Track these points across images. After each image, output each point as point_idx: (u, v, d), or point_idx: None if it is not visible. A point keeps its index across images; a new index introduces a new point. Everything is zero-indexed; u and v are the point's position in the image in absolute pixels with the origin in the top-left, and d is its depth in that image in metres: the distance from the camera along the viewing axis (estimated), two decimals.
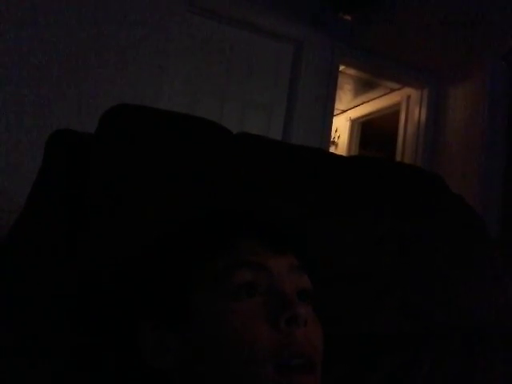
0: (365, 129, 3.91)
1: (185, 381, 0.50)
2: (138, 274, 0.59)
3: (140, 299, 0.57)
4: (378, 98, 3.51)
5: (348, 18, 2.72)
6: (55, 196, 0.68)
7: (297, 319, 0.48)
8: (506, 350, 0.70)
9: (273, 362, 0.47)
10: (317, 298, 0.57)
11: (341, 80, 3.00)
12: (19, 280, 0.62)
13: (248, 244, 0.53)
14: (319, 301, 0.57)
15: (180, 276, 0.54)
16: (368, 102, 3.64)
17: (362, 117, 3.77)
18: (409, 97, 3.19)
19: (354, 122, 3.85)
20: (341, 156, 0.89)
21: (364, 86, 3.56)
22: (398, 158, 3.15)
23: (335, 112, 2.86)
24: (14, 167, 0.84)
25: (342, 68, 2.89)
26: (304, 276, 0.54)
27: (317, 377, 0.49)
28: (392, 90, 3.37)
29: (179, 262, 0.55)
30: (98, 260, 0.62)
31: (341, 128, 3.87)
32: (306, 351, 0.48)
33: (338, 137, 3.89)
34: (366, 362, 0.67)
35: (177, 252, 0.56)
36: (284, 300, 0.49)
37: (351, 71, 3.12)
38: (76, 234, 0.64)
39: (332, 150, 3.66)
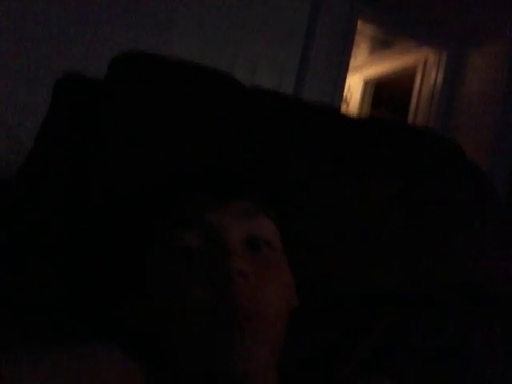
0: (378, 89, 3.83)
1: (163, 341, 0.50)
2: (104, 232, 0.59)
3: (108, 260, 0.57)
4: (394, 58, 3.41)
5: None
6: (61, 140, 0.68)
7: (230, 275, 0.46)
8: (505, 313, 0.71)
9: (210, 322, 0.46)
10: (291, 244, 0.56)
11: (357, 37, 2.91)
12: (24, 219, 0.62)
13: (195, 199, 0.52)
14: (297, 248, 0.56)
15: (134, 237, 0.54)
16: (384, 61, 3.54)
17: (376, 76, 3.68)
18: (426, 59, 3.10)
19: (367, 81, 3.76)
20: (353, 116, 0.87)
21: (381, 45, 3.45)
22: (410, 121, 3.09)
23: (349, 70, 2.79)
24: (22, 110, 0.83)
25: (359, 24, 2.79)
26: (258, 220, 0.52)
27: (261, 328, 0.47)
28: (409, 51, 3.26)
29: (135, 222, 0.55)
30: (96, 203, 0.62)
31: (353, 86, 3.78)
32: (244, 306, 0.46)
33: (350, 95, 3.81)
34: (364, 321, 0.69)
35: (135, 212, 0.56)
36: (221, 255, 0.48)
37: (369, 28, 3.01)
38: (80, 180, 0.64)
39: (343, 108, 3.60)
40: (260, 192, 0.57)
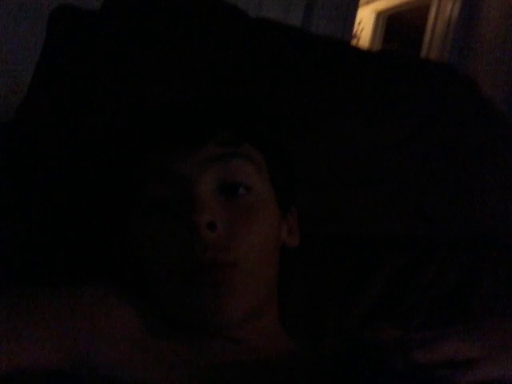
0: (390, 23, 3.66)
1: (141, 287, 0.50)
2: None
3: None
4: None
5: None
6: (59, 73, 0.65)
7: (195, 227, 0.44)
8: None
9: (177, 276, 0.45)
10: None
11: None
12: (25, 157, 0.61)
13: (164, 146, 0.48)
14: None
15: (114, 186, 0.53)
16: None
17: (389, 9, 3.51)
18: None
19: (379, 14, 3.58)
20: (364, 50, 0.83)
21: None
22: (424, 55, 2.97)
23: (360, 2, 2.65)
24: (18, 46, 0.80)
25: None
26: (235, 162, 0.48)
27: (235, 277, 0.45)
28: None
29: (114, 170, 0.53)
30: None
31: (365, 20, 3.62)
32: (210, 258, 0.44)
33: (361, 30, 3.65)
34: (373, 264, 0.67)
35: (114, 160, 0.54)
36: (187, 208, 0.45)
37: None
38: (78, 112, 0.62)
39: (353, 43, 3.46)
40: (244, 123, 0.52)
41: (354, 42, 3.54)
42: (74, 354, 0.42)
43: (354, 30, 3.27)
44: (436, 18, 2.97)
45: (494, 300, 0.64)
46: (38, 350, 0.40)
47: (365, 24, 3.64)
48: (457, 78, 0.76)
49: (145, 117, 0.54)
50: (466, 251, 0.68)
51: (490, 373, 0.36)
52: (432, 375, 0.36)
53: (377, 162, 0.68)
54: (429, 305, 0.63)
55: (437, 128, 0.70)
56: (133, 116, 0.57)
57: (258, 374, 0.45)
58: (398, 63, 0.77)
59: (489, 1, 2.72)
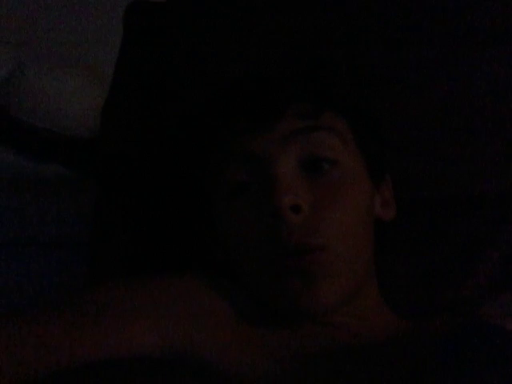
0: None
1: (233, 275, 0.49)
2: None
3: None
4: None
5: None
6: (139, 67, 0.66)
7: (279, 212, 0.41)
8: None
9: (264, 263, 0.43)
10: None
11: None
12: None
13: (237, 126, 0.45)
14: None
15: (194, 174, 0.51)
16: None
17: None
18: None
19: None
20: None
21: None
22: None
23: None
24: (101, 43, 0.85)
25: None
26: (317, 134, 0.45)
27: (326, 261, 0.42)
28: None
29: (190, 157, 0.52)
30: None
31: None
32: (297, 243, 0.41)
33: None
34: (491, 224, 0.59)
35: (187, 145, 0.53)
36: (269, 190, 0.42)
37: None
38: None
39: None
40: (330, 87, 0.49)
41: None
42: (172, 342, 0.42)
43: None
44: None
45: None
46: (137, 337, 0.41)
47: None
48: None
49: (217, 97, 0.52)
50: None
51: None
52: None
53: (483, 108, 0.59)
54: None
55: None
56: (206, 97, 0.55)
57: (357, 360, 0.42)
58: None
59: None
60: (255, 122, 0.45)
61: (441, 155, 0.60)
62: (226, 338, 0.43)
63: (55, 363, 0.38)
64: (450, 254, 0.58)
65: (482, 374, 0.32)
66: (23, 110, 0.79)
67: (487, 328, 0.37)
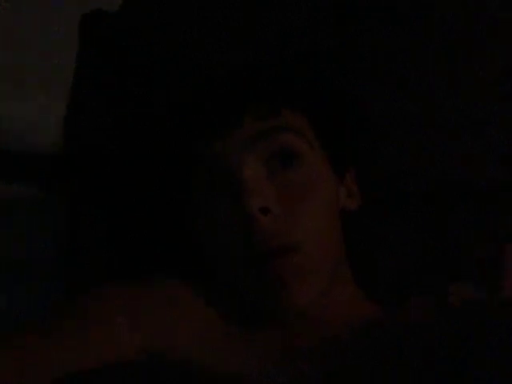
0: None
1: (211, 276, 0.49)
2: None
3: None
4: None
5: None
6: (98, 74, 0.66)
7: (249, 215, 0.42)
8: None
9: (240, 266, 0.44)
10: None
11: None
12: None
13: (203, 130, 0.46)
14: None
15: (164, 175, 0.51)
16: None
17: None
18: None
19: None
20: None
21: None
22: None
23: None
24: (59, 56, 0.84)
25: None
26: (280, 133, 0.46)
27: (301, 258, 0.43)
28: None
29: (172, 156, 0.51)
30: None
31: None
32: (271, 244, 0.42)
33: None
34: (461, 211, 0.61)
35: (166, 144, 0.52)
36: (237, 194, 0.43)
37: None
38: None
39: None
40: (285, 84, 0.49)
41: None
42: (155, 344, 0.42)
43: None
44: None
45: None
46: (114, 344, 0.41)
47: None
48: None
49: (179, 105, 0.53)
50: None
51: None
52: None
53: (465, 104, 0.61)
54: None
55: None
56: (169, 104, 0.55)
57: (338, 350, 0.43)
58: None
59: None
60: (219, 127, 0.45)
61: (428, 150, 0.61)
62: (209, 339, 0.43)
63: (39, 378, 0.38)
64: (437, 249, 0.59)
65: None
66: None
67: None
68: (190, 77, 0.60)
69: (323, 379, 0.40)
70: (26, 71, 0.85)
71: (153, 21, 0.66)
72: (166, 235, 0.56)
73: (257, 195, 0.42)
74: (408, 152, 0.61)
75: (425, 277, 0.58)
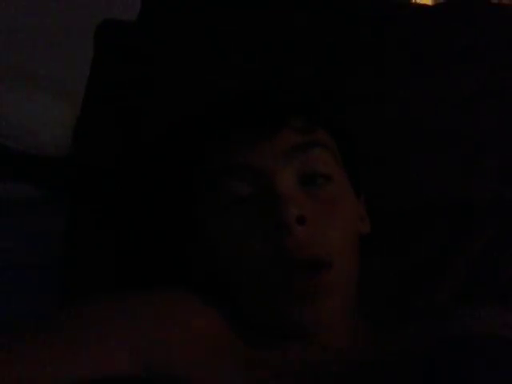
0: None
1: (219, 290, 0.47)
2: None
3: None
4: None
5: None
6: (111, 84, 0.66)
7: (284, 224, 0.41)
8: None
9: (269, 281, 0.42)
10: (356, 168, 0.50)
11: None
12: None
13: (235, 138, 0.45)
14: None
15: (179, 184, 0.50)
16: None
17: None
18: None
19: None
20: (423, 5, 0.76)
21: None
22: None
23: None
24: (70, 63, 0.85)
25: None
26: (312, 150, 0.45)
27: (330, 277, 0.42)
28: None
29: (177, 167, 0.51)
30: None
31: None
32: (304, 253, 0.41)
33: None
34: (461, 231, 0.61)
35: (174, 155, 0.52)
36: (273, 203, 0.42)
37: None
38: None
39: None
40: (317, 107, 0.50)
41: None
42: (148, 361, 0.40)
43: None
44: None
45: None
46: (111, 357, 0.40)
47: None
48: None
49: (212, 108, 0.52)
50: None
51: None
52: None
53: (448, 121, 0.61)
54: None
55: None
56: (197, 110, 0.54)
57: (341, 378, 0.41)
58: (466, 11, 0.70)
59: None
60: (255, 135, 0.45)
61: (411, 169, 0.62)
62: (204, 355, 0.42)
63: None
64: (422, 261, 0.59)
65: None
66: None
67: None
68: (223, 88, 0.60)
69: None
70: (29, 72, 0.86)
71: (170, 31, 0.67)
72: (171, 243, 0.55)
73: (294, 204, 0.42)
74: (390, 173, 0.62)
75: (424, 298, 0.58)
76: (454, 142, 0.62)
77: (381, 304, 0.57)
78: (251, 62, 0.63)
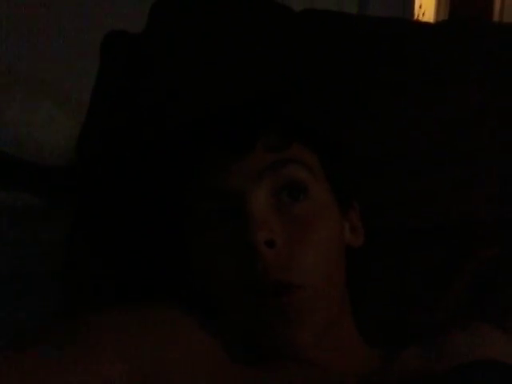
0: (454, 2, 3.46)
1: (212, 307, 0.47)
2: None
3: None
4: None
5: None
6: (115, 94, 0.66)
7: (253, 247, 0.41)
8: None
9: (244, 301, 0.42)
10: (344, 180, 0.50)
11: None
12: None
13: (210, 160, 0.45)
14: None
15: (164, 203, 0.51)
16: None
17: None
18: None
19: None
20: (427, 23, 0.77)
21: None
22: None
23: None
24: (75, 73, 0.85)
25: None
26: (289, 166, 0.45)
27: (306, 296, 0.42)
28: None
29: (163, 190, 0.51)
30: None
31: (426, 2, 3.45)
32: (277, 279, 0.41)
33: (423, 14, 3.48)
34: (461, 251, 0.61)
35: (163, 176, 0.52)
36: (243, 225, 0.42)
37: None
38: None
39: None
40: (291, 123, 0.49)
41: None
42: (140, 377, 0.39)
43: (415, 15, 3.13)
44: None
45: None
46: (108, 372, 0.39)
47: (426, 6, 3.47)
48: None
49: (186, 132, 0.52)
50: None
51: None
52: None
53: (447, 140, 0.62)
54: None
55: None
56: (175, 129, 0.55)
57: None
58: (465, 31, 0.71)
59: None
60: (227, 155, 0.44)
61: (409, 187, 0.62)
62: (199, 371, 0.41)
63: None
64: (420, 280, 0.59)
65: None
66: None
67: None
68: (205, 103, 0.61)
69: None
70: (34, 81, 0.86)
71: (173, 45, 0.67)
72: (166, 260, 0.55)
73: (263, 228, 0.41)
74: (388, 190, 0.62)
75: (422, 319, 0.58)
76: (455, 161, 0.62)
77: (378, 325, 0.56)
78: (244, 73, 0.64)
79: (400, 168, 0.62)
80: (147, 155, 0.59)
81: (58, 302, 0.58)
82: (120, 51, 0.69)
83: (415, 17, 3.19)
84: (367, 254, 0.54)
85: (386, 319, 0.58)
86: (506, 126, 0.63)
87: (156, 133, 0.61)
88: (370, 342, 0.50)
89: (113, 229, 0.61)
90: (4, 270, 0.67)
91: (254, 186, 0.44)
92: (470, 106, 0.64)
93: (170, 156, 0.52)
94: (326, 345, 0.44)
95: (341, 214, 0.49)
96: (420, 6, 3.38)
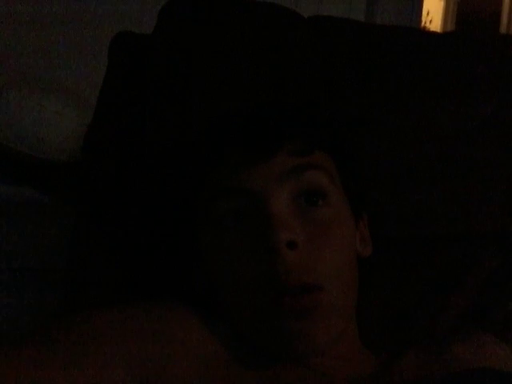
0: (462, 10, 3.46)
1: (218, 305, 0.48)
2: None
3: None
4: None
5: None
6: (123, 96, 0.67)
7: (276, 248, 0.41)
8: None
9: (259, 303, 0.42)
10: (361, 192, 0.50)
11: None
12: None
13: (232, 160, 0.45)
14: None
15: (180, 201, 0.51)
16: None
17: None
18: None
19: (448, 1, 3.41)
20: (435, 33, 0.77)
21: None
22: None
23: None
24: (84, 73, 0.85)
25: None
26: (310, 171, 0.45)
27: (324, 300, 0.42)
28: None
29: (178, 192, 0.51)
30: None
31: (433, 10, 3.46)
32: (295, 282, 0.41)
33: (430, 21, 3.49)
34: (462, 263, 0.61)
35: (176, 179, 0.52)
36: (265, 226, 0.42)
37: None
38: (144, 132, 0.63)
39: None
40: (315, 130, 0.50)
41: None
42: (143, 378, 0.40)
43: (422, 22, 3.13)
44: None
45: None
46: (107, 372, 0.39)
47: (433, 13, 3.48)
48: None
49: (209, 130, 0.52)
50: None
51: None
52: None
53: (454, 151, 0.62)
54: None
55: None
56: (197, 131, 0.55)
57: None
58: (473, 42, 0.71)
59: None
60: (251, 157, 0.45)
61: (411, 198, 0.62)
62: (200, 372, 0.41)
63: None
64: (421, 291, 0.59)
65: None
66: (1, 133, 0.78)
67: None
68: (230, 104, 0.60)
69: None
70: (43, 79, 0.87)
71: (184, 46, 0.67)
72: (174, 258, 0.55)
73: (285, 229, 0.41)
74: (389, 201, 0.62)
75: (422, 330, 0.57)
76: (457, 173, 0.62)
77: (379, 332, 0.57)
78: (258, 81, 0.64)
79: (403, 179, 0.62)
80: (165, 153, 0.59)
81: (59, 299, 0.58)
82: (128, 52, 0.70)
83: (422, 24, 3.20)
84: (369, 263, 0.54)
85: (387, 328, 0.58)
86: (509, 138, 0.63)
87: (177, 132, 0.61)
88: (370, 347, 0.51)
89: (121, 226, 0.60)
90: (4, 266, 0.68)
91: (276, 188, 0.44)
92: (474, 118, 0.64)
93: (188, 153, 0.53)
94: (331, 352, 0.44)
95: (354, 224, 0.50)
96: (427, 13, 3.39)
